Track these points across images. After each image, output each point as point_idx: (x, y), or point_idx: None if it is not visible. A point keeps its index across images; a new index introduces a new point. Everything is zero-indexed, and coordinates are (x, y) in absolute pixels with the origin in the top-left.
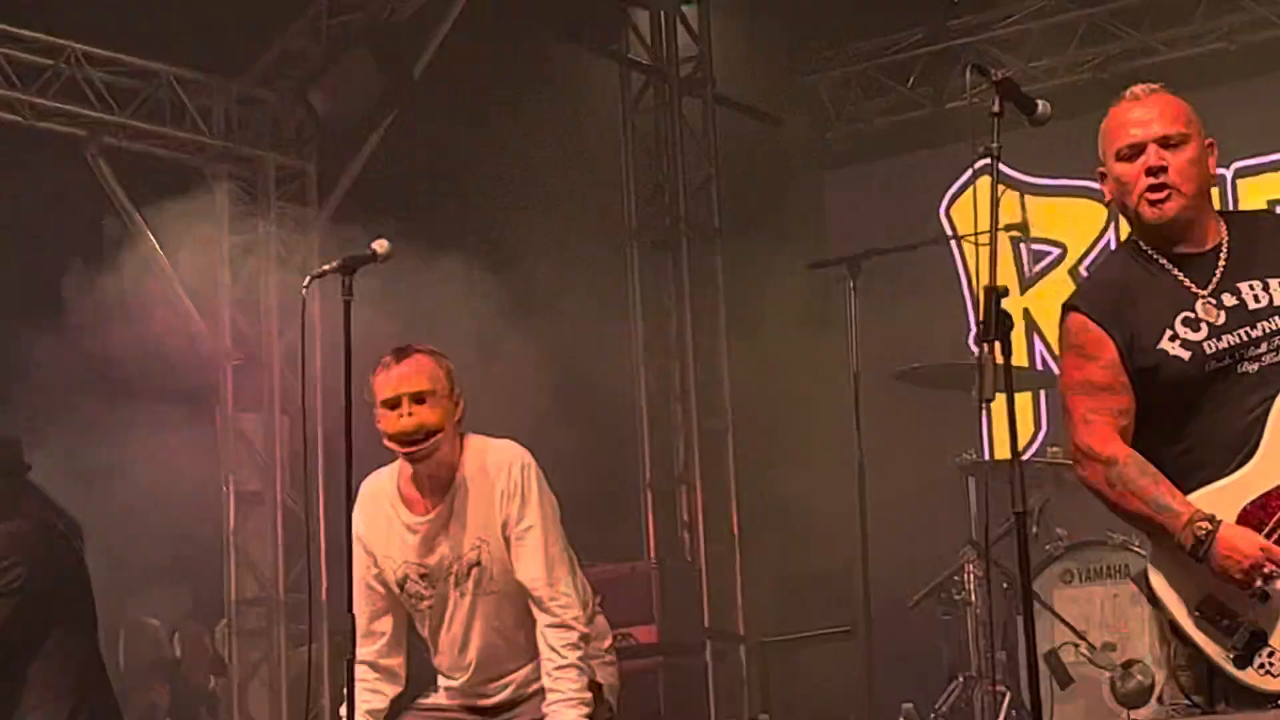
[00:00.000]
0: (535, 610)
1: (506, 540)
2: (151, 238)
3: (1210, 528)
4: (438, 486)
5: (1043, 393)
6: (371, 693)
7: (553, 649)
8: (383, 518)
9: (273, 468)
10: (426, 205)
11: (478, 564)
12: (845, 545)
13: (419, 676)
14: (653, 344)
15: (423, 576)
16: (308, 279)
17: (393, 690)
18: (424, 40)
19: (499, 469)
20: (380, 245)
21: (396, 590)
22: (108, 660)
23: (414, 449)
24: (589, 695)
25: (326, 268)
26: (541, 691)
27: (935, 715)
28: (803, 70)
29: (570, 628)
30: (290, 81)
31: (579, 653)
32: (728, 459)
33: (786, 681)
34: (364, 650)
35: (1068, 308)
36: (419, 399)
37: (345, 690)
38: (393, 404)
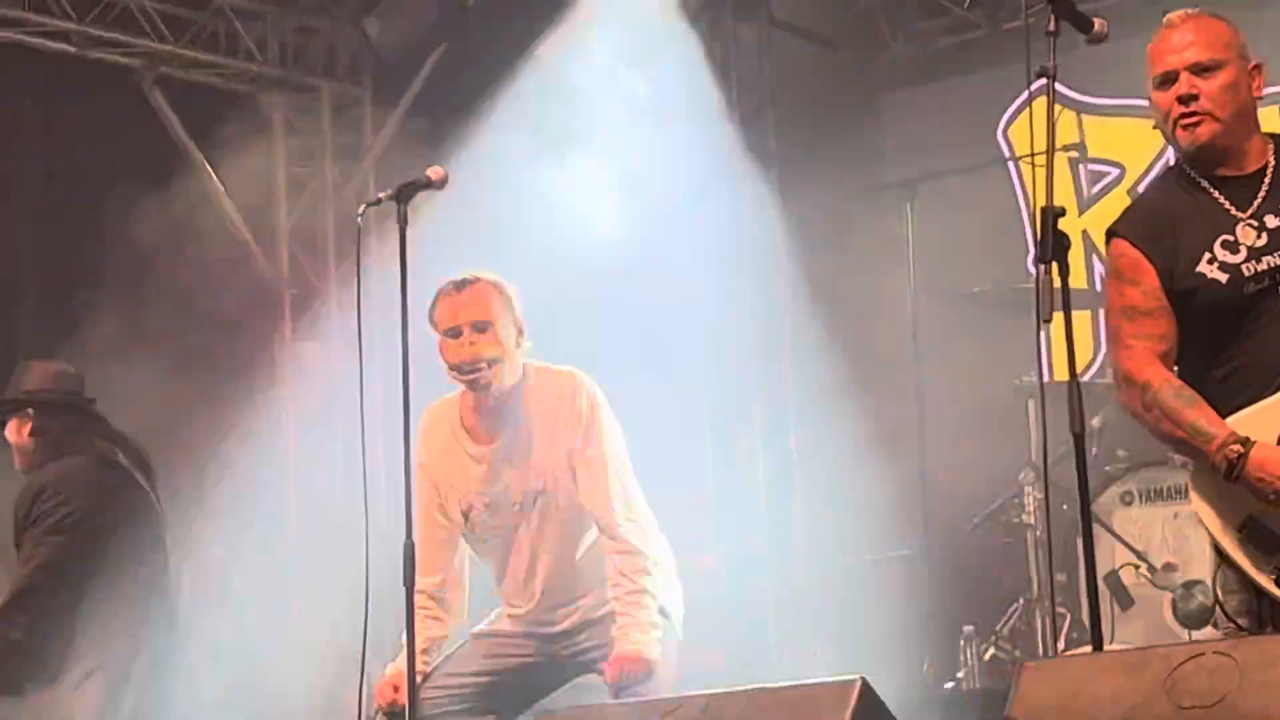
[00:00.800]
0: (603, 538)
1: (572, 469)
2: (208, 168)
3: (1242, 450)
4: (501, 415)
5: (1101, 313)
6: (433, 620)
7: (622, 575)
8: (446, 447)
9: (333, 400)
10: (481, 140)
11: (543, 492)
12: (904, 470)
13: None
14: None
15: (487, 506)
16: (363, 206)
17: (447, 621)
18: None
19: (563, 397)
20: (435, 172)
21: (461, 521)
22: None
23: (475, 378)
24: (659, 621)
25: (382, 195)
26: (608, 618)
27: (995, 638)
28: None
29: (639, 554)
30: (345, 10)
31: (649, 577)
32: (784, 385)
33: (846, 607)
34: (425, 581)
35: (1110, 233)
36: (480, 328)
37: (405, 617)
38: (454, 333)
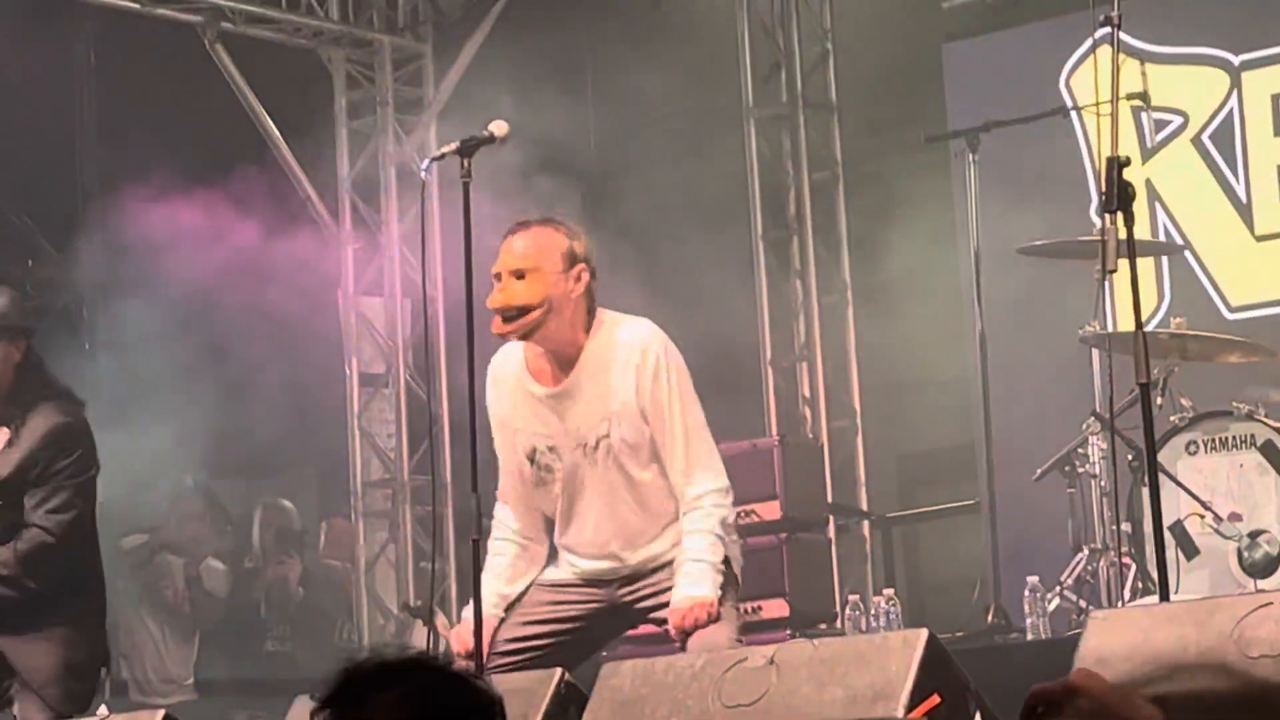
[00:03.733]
0: (669, 485)
1: (643, 415)
2: (270, 123)
3: None
4: (564, 361)
5: (1165, 263)
6: (529, 560)
7: (688, 521)
8: (511, 390)
9: (395, 351)
10: (544, 85)
11: (606, 436)
12: (967, 420)
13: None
14: (770, 219)
15: (551, 449)
16: (426, 161)
17: (532, 571)
18: None
19: (632, 346)
20: (498, 127)
21: (527, 464)
22: (241, 536)
23: (505, 327)
24: (722, 569)
25: (445, 150)
26: (671, 565)
27: (1060, 588)
28: None
29: (710, 506)
30: None
31: (712, 523)
32: (848, 335)
33: (910, 557)
34: (516, 528)
35: None
36: (519, 275)
37: (472, 569)
38: (497, 278)
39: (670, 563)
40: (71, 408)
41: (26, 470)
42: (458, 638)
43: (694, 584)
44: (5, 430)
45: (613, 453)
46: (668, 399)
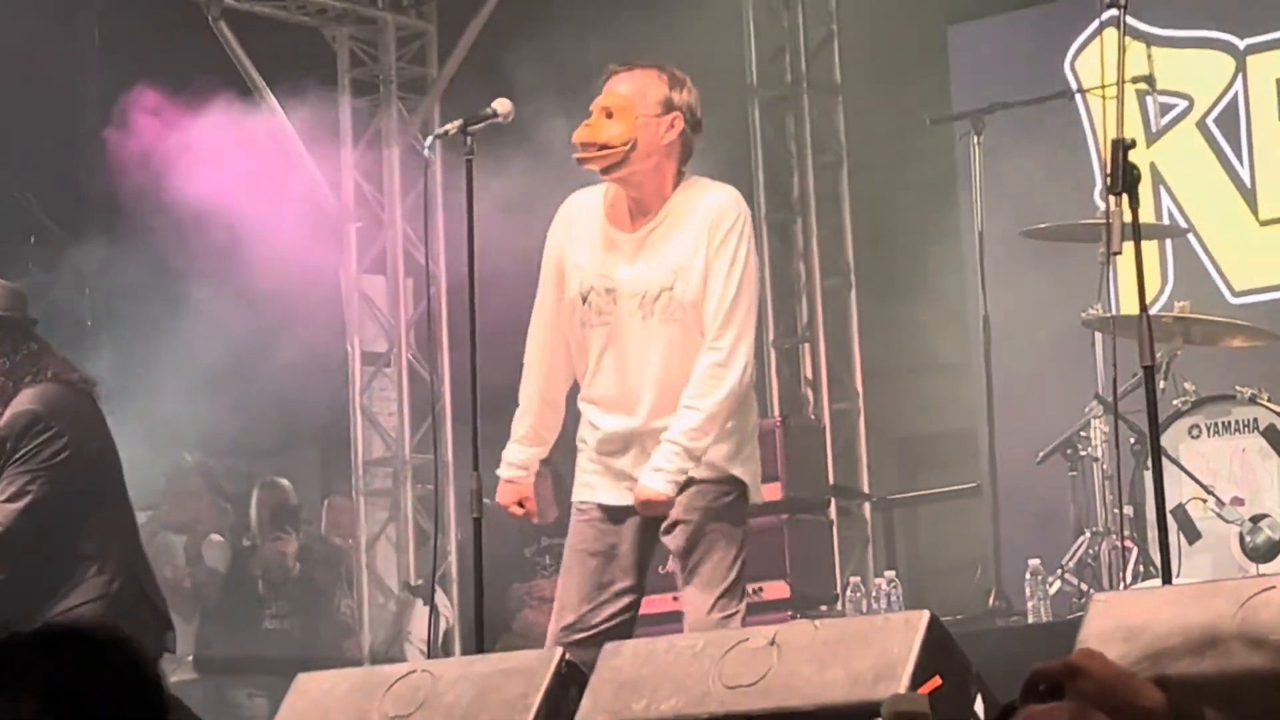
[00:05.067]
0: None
1: (706, 275)
2: (274, 100)
3: None
4: (644, 209)
5: (1169, 246)
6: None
7: (697, 381)
8: (586, 227)
9: (397, 329)
10: (550, 64)
11: (670, 289)
12: (969, 403)
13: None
14: (773, 201)
15: (609, 291)
16: (429, 139)
17: (548, 433)
18: None
19: (716, 208)
20: (501, 104)
21: (579, 302)
22: (240, 514)
23: (584, 158)
24: (686, 465)
25: (448, 127)
26: (694, 484)
27: (1062, 570)
28: None
29: (724, 367)
30: None
31: (714, 397)
32: (850, 316)
33: (911, 540)
34: (537, 386)
35: None
36: (609, 113)
37: (474, 548)
38: (588, 115)
39: (715, 469)
40: (53, 390)
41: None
42: (505, 491)
43: (654, 473)
44: None
45: (673, 307)
46: (729, 260)
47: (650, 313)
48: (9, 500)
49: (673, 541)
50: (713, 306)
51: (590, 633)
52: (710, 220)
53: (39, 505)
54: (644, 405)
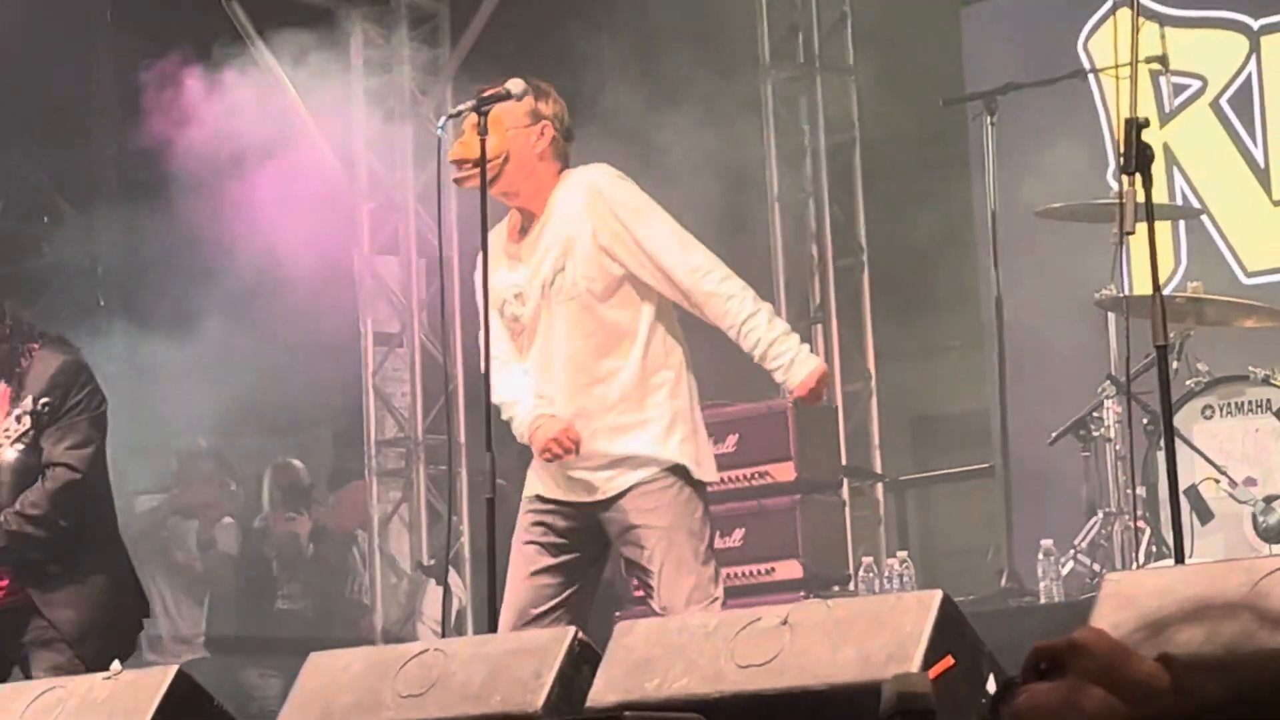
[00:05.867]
0: (692, 296)
1: (609, 254)
2: (286, 81)
3: None
4: (530, 215)
5: (1182, 227)
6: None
7: (728, 302)
8: (495, 254)
9: (409, 310)
10: (560, 43)
11: (563, 270)
12: (982, 384)
13: None
14: (786, 183)
15: (517, 296)
16: (442, 119)
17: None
18: None
19: (582, 187)
20: (514, 84)
21: (498, 319)
22: (252, 495)
23: (460, 177)
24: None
25: (461, 107)
26: (638, 488)
27: (1075, 551)
28: None
29: (731, 293)
30: None
31: (751, 296)
32: (863, 298)
33: (924, 520)
34: (511, 369)
35: None
36: (481, 130)
37: (487, 529)
38: (461, 133)
39: (648, 462)
40: (69, 348)
41: (39, 415)
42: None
43: (797, 361)
44: (6, 386)
45: (565, 284)
46: (631, 225)
47: (549, 298)
48: (76, 447)
49: (628, 553)
50: (670, 254)
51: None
52: (583, 202)
53: (101, 451)
54: (560, 388)
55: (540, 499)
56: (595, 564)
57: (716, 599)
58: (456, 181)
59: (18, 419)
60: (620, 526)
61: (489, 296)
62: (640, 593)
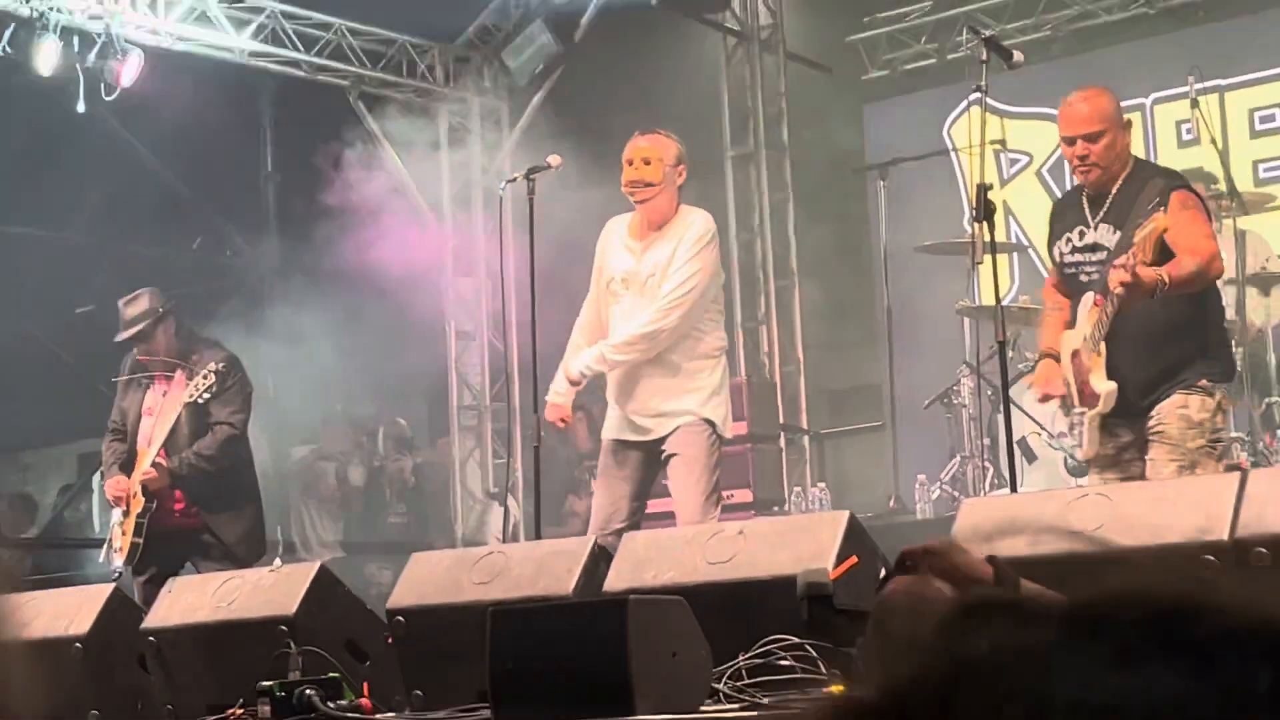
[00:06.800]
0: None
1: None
2: (395, 155)
3: None
4: (653, 225)
5: (1015, 258)
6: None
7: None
8: (612, 241)
9: (480, 316)
10: (586, 130)
11: (655, 275)
12: (877, 366)
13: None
14: (742, 227)
15: (624, 279)
16: (503, 183)
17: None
18: (580, 15)
19: (693, 225)
20: (554, 159)
21: (605, 286)
22: (372, 444)
23: (631, 193)
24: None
25: (516, 175)
26: (682, 430)
27: (941, 483)
28: (847, 33)
29: (655, 318)
30: (490, 46)
31: (647, 333)
32: (794, 307)
33: (836, 461)
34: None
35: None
36: (646, 160)
37: (534, 468)
38: (629, 163)
39: (692, 414)
40: (225, 351)
41: (210, 389)
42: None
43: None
44: (181, 373)
45: (652, 285)
46: (687, 258)
47: (642, 291)
48: (235, 413)
49: (669, 471)
50: (667, 283)
51: (617, 529)
52: (690, 235)
53: (247, 420)
54: (639, 344)
55: (617, 443)
56: (649, 484)
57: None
58: (629, 196)
59: (204, 376)
60: (665, 455)
61: (599, 274)
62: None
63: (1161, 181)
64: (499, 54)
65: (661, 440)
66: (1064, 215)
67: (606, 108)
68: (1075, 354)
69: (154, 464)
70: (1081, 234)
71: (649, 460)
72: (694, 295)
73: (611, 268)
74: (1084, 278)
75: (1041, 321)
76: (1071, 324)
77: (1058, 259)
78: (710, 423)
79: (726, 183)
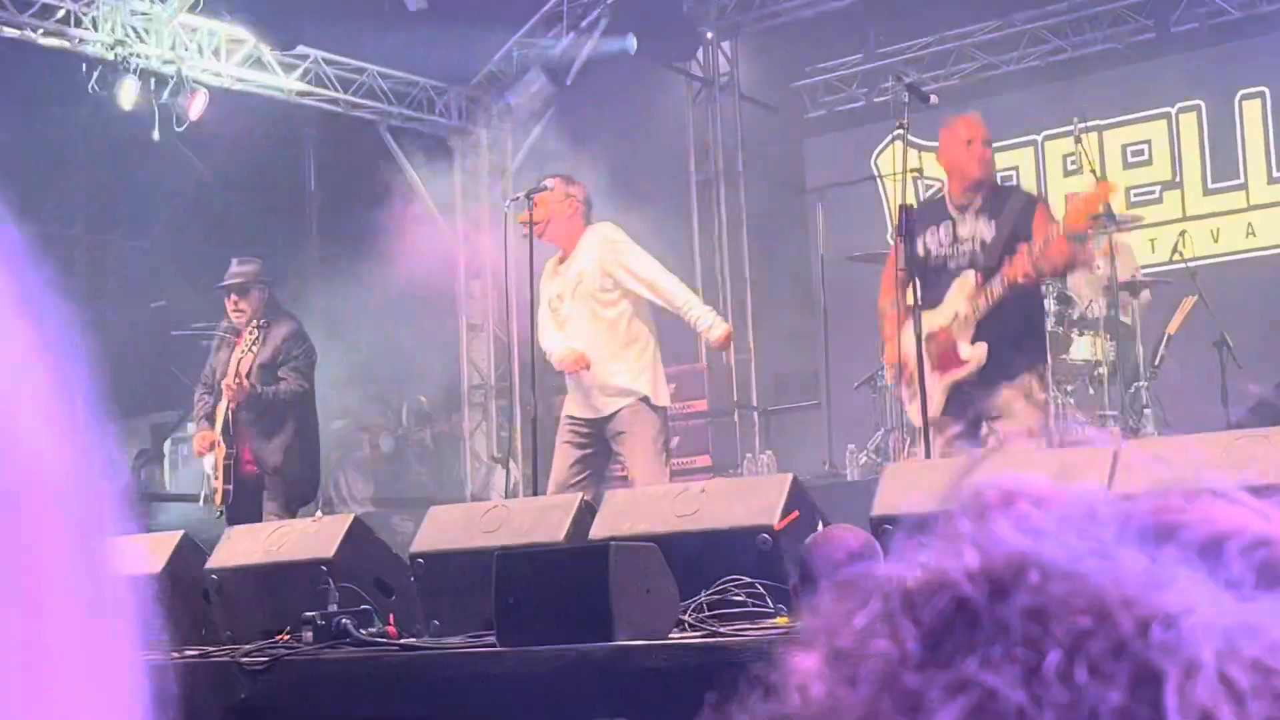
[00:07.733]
0: (662, 292)
1: (611, 276)
2: (418, 180)
3: None
4: (566, 250)
5: None
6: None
7: (679, 295)
8: (546, 274)
9: (487, 311)
10: (576, 161)
11: (581, 282)
12: (815, 354)
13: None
14: (704, 240)
15: (559, 296)
16: (507, 201)
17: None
18: (572, 63)
19: (596, 236)
20: (550, 182)
21: (548, 310)
22: (397, 418)
23: (525, 231)
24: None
25: (517, 195)
26: (624, 409)
27: (867, 452)
28: (791, 80)
29: (679, 289)
30: (496, 88)
31: (690, 292)
32: (748, 307)
33: (781, 433)
34: (552, 334)
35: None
36: (538, 201)
37: (531, 436)
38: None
39: (629, 393)
40: (297, 322)
41: (278, 354)
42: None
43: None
44: (257, 332)
45: (588, 295)
46: (621, 255)
47: (574, 294)
48: (302, 372)
49: (617, 448)
50: (652, 271)
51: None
52: (594, 244)
53: (313, 381)
54: (580, 348)
55: (571, 417)
56: (603, 457)
57: (664, 480)
58: (526, 235)
59: (249, 332)
60: (614, 432)
61: (542, 296)
62: (623, 474)
63: (1022, 193)
64: (504, 94)
65: (608, 419)
66: (931, 214)
67: (594, 139)
68: (930, 336)
69: (235, 378)
70: (952, 227)
71: (599, 439)
72: (660, 266)
73: (549, 293)
74: (953, 264)
75: (886, 332)
76: (931, 306)
77: (922, 252)
78: (644, 399)
79: (691, 203)
